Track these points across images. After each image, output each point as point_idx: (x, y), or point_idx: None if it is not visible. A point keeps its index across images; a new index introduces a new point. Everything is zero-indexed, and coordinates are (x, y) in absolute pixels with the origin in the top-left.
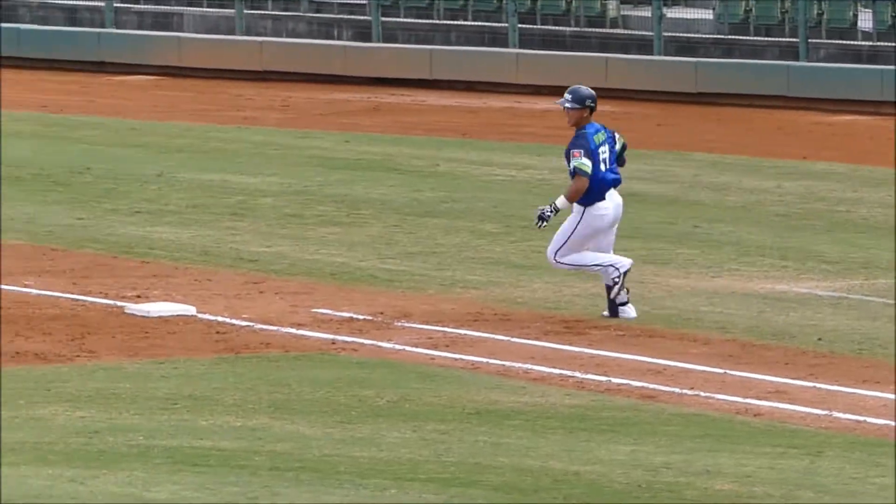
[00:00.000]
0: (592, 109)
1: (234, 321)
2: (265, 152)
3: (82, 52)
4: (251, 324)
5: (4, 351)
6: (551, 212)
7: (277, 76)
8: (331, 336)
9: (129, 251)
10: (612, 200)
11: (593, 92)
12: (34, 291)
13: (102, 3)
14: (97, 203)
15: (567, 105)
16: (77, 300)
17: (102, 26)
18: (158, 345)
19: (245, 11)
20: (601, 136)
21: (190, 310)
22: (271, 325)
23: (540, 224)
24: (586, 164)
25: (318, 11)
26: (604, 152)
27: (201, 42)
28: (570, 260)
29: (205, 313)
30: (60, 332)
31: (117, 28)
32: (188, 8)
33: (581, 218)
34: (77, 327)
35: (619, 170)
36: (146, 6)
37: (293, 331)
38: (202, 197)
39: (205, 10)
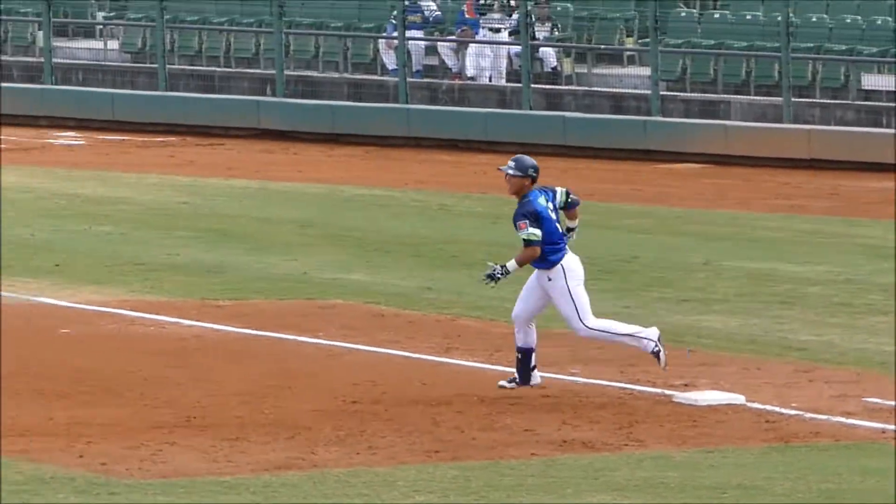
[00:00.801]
0: (534, 179)
1: (783, 410)
2: (813, 241)
3: (628, 140)
4: (800, 413)
5: (552, 439)
6: (502, 273)
7: (826, 164)
8: (881, 425)
9: (677, 340)
10: (575, 257)
11: (536, 163)
12: (581, 380)
13: (648, 92)
14: (645, 291)
15: (510, 172)
16: (625, 388)
17: (648, 114)
18: (707, 433)
19: (793, 100)
20: (543, 199)
21: (738, 398)
22: (821, 413)
23: (488, 281)
24: (535, 233)
25: (866, 99)
26: (552, 211)
27: (748, 130)
28: (603, 326)
29: (754, 402)
30: (608, 420)
31: (663, 116)
32: (735, 96)
33: (565, 277)
34: (625, 416)
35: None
36: (693, 94)
37: (843, 420)
38: (749, 285)
39: (752, 98)
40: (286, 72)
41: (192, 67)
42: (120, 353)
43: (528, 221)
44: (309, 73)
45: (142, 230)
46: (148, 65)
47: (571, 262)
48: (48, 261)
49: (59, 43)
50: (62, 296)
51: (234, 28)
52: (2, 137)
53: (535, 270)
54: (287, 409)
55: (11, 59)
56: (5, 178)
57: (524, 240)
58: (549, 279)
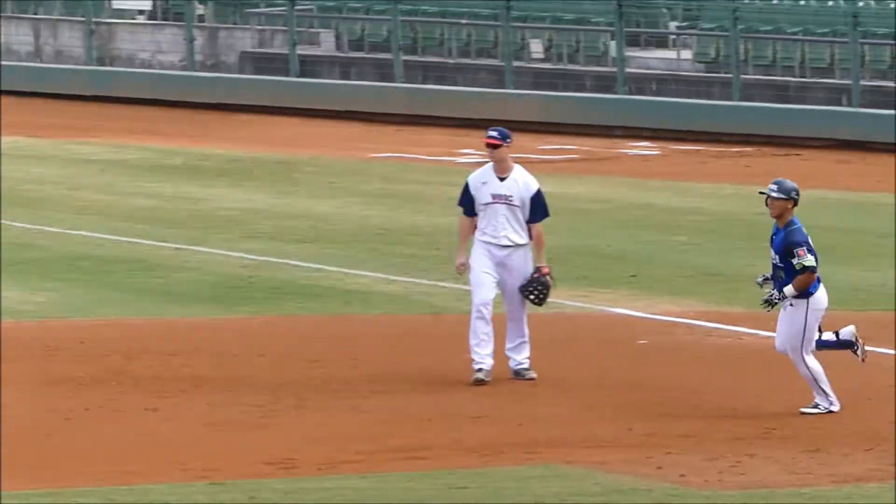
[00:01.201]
0: (796, 202)
1: None
2: None
3: None
4: None
5: None
6: (779, 299)
7: None
8: None
9: None
10: (824, 289)
11: (797, 186)
12: None
13: None
14: None
15: (774, 195)
16: None
17: None
18: None
19: None
20: (805, 229)
21: None
22: None
23: (767, 307)
24: (811, 260)
25: None
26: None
27: None
28: (814, 369)
29: None
30: None
31: None
32: None
33: (807, 310)
34: None
35: None
36: None
37: None
38: None
39: None
40: (861, 82)
41: (766, 77)
42: (695, 365)
43: (805, 248)
44: (885, 83)
45: (718, 241)
46: (722, 74)
47: (819, 295)
48: (624, 272)
49: (631, 52)
50: (638, 306)
51: (809, 38)
52: (573, 147)
53: None
54: (866, 421)
55: (584, 68)
56: (579, 189)
57: (805, 266)
58: (791, 304)
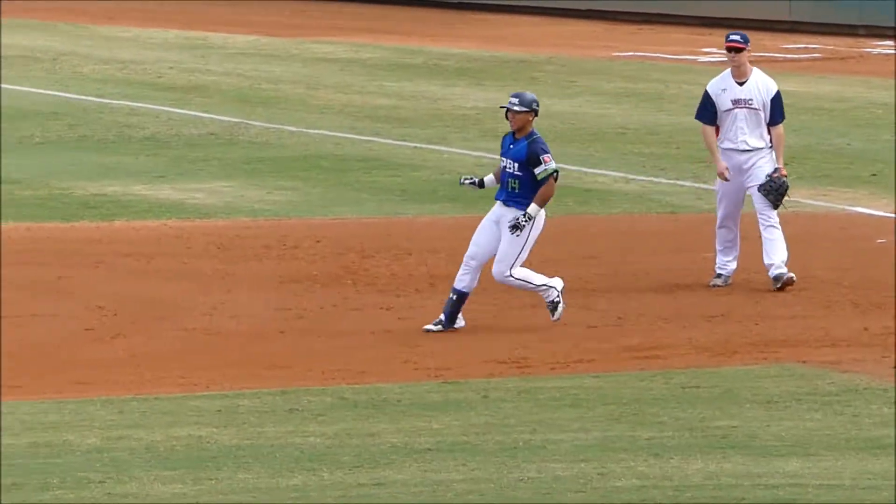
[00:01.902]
0: (537, 113)
1: None
2: None
3: None
4: None
5: None
6: (526, 221)
7: None
8: None
9: None
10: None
11: (536, 97)
12: None
13: None
14: None
15: (516, 108)
16: None
17: None
18: None
19: None
20: None
21: None
22: None
23: (517, 233)
24: (554, 167)
25: None
26: None
27: None
28: (522, 275)
29: None
30: None
31: None
32: None
33: (533, 224)
34: None
35: None
36: None
37: None
38: None
39: None
40: None
41: None
42: None
43: (550, 155)
44: None
45: None
46: None
47: (542, 214)
48: (864, 171)
49: None
50: (878, 206)
51: None
52: (816, 46)
53: (499, 206)
54: None
55: None
56: (822, 88)
57: (549, 174)
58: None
